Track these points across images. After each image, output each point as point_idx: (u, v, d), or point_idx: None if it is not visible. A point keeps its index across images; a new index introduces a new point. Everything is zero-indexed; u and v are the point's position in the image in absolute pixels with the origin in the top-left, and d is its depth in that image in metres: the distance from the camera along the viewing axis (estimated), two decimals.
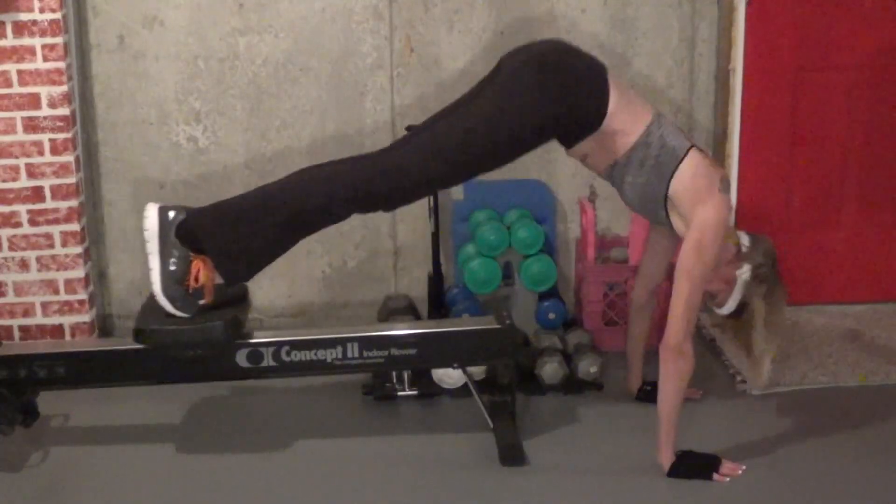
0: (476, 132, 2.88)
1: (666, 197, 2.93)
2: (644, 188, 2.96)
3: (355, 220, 3.99)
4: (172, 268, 2.95)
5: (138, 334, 3.02)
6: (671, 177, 2.91)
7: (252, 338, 3.09)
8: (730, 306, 3.05)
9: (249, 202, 2.99)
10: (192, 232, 2.96)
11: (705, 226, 2.88)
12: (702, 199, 2.88)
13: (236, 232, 2.94)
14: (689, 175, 2.90)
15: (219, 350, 3.03)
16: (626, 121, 2.91)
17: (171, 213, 2.97)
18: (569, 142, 3.00)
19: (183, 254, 2.96)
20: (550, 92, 2.86)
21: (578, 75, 2.90)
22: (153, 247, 2.95)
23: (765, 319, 3.01)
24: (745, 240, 3.04)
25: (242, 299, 3.18)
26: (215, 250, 2.95)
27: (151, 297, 3.03)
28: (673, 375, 2.92)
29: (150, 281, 2.97)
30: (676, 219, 2.96)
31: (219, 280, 3.04)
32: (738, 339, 3.14)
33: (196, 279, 2.98)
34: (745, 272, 3.01)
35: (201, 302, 3.02)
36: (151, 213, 2.97)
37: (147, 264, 2.97)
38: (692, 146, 2.95)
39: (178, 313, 2.99)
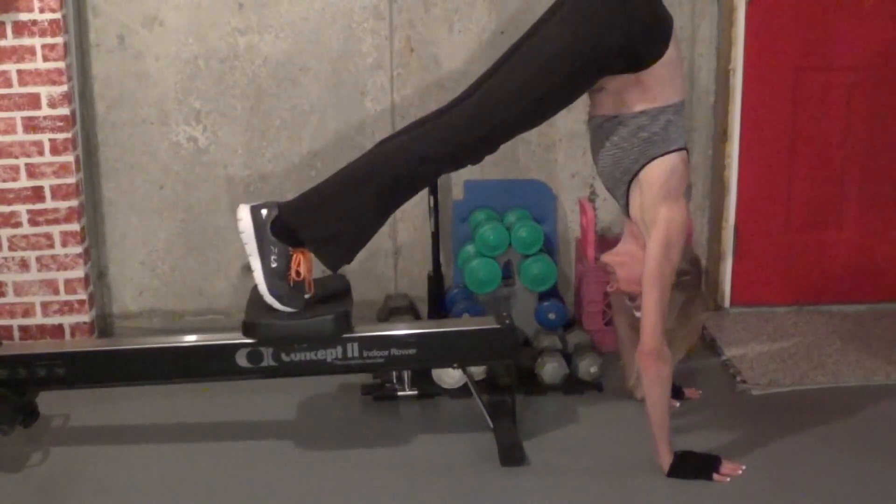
0: (556, 53, 2.82)
1: (636, 175, 2.92)
2: (623, 154, 2.92)
3: None
4: (274, 265, 2.97)
5: (249, 328, 3.04)
6: (651, 160, 2.89)
7: (357, 331, 3.10)
8: None
9: (337, 184, 2.99)
10: (286, 226, 2.97)
11: (672, 225, 2.87)
12: (668, 199, 2.88)
13: (329, 216, 2.95)
14: (666, 168, 2.88)
15: (328, 343, 3.05)
16: (661, 81, 2.86)
17: (264, 212, 2.98)
18: (606, 70, 2.88)
19: (282, 250, 2.98)
20: (627, 13, 2.79)
21: (654, 10, 2.85)
22: (252, 248, 2.97)
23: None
24: None
25: (346, 292, 3.20)
26: (312, 239, 2.97)
27: (256, 290, 3.05)
28: (656, 379, 2.92)
29: (255, 281, 2.99)
30: (635, 202, 2.94)
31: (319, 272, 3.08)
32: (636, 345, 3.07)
33: (297, 273, 3.00)
34: None
35: (306, 296, 3.05)
36: (244, 215, 2.98)
37: (250, 266, 3.01)
38: (685, 148, 2.94)
39: (285, 309, 3.01)
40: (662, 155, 2.88)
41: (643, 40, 2.81)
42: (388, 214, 3.02)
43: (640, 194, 2.92)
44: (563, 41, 2.83)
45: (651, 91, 2.86)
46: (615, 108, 2.92)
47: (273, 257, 2.97)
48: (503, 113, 2.87)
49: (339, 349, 3.09)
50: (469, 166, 3.02)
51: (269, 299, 3.00)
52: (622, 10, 2.79)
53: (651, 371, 2.92)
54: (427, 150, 2.91)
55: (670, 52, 2.84)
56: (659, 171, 2.88)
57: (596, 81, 2.89)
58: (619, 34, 2.78)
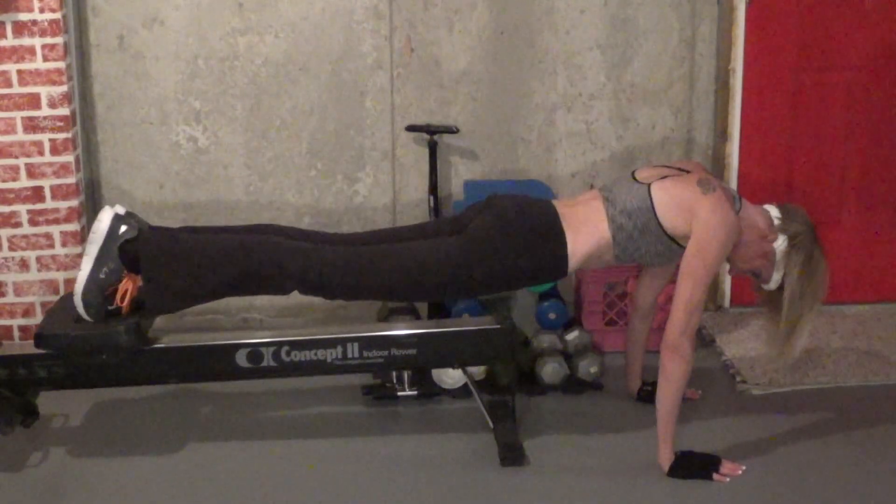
0: (443, 271, 2.95)
1: (672, 238, 2.95)
2: (653, 249, 2.99)
3: (355, 219, 4.00)
4: (102, 276, 2.93)
5: (40, 339, 2.99)
6: (659, 224, 2.94)
7: (157, 343, 3.06)
8: (775, 279, 3.04)
9: (203, 247, 2.96)
10: (136, 252, 2.94)
11: (706, 227, 2.89)
12: (693, 214, 2.91)
13: (180, 271, 2.93)
14: (669, 208, 2.94)
15: (122, 356, 3.00)
16: (588, 237, 2.98)
17: (123, 228, 2.94)
18: (555, 278, 3.09)
19: (117, 267, 2.94)
20: (511, 254, 2.94)
21: (533, 233, 2.96)
22: (92, 250, 2.93)
23: (803, 287, 2.99)
24: (774, 212, 3.04)
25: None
26: (152, 279, 2.93)
27: (61, 301, 3.06)
28: (671, 375, 2.92)
29: (77, 279, 2.94)
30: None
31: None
32: (775, 313, 3.09)
33: (122, 298, 2.95)
34: (781, 243, 3.00)
35: (109, 307, 2.99)
36: (105, 219, 2.94)
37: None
38: (648, 185, 2.97)
39: (87, 318, 2.96)
40: (656, 215, 2.94)
41: (543, 266, 2.99)
42: (225, 295, 3.03)
43: (686, 238, 2.95)
44: (462, 258, 2.95)
45: (595, 242, 2.98)
46: (606, 260, 3.04)
47: (106, 269, 2.93)
48: (381, 285, 2.97)
49: (339, 349, 3.09)
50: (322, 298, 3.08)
51: (79, 303, 2.93)
52: (509, 252, 2.94)
53: (667, 365, 2.93)
54: (300, 268, 2.94)
55: (569, 235, 2.96)
56: (670, 218, 2.94)
57: (499, 292, 3.20)
58: (515, 269, 2.97)
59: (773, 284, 3.05)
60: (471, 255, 2.95)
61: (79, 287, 2.94)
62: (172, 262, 2.93)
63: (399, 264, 2.96)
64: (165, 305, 2.99)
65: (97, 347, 2.98)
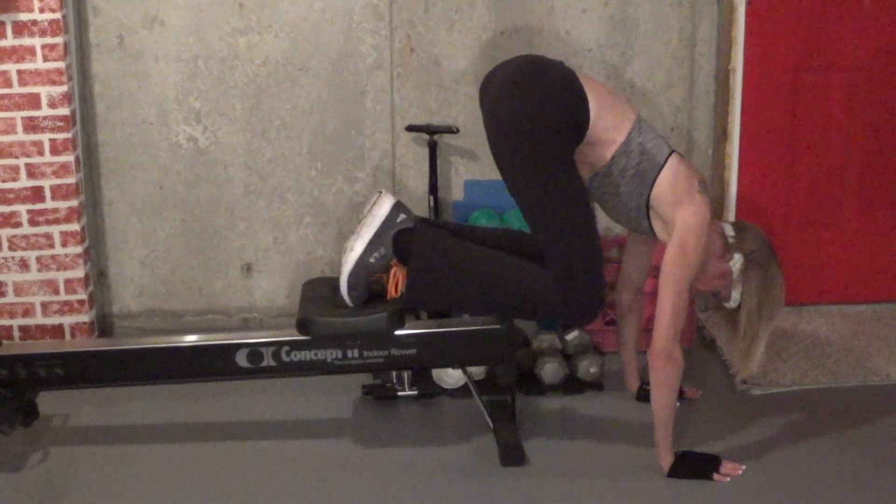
0: (549, 191, 2.89)
1: (648, 205, 2.94)
2: (626, 197, 2.96)
3: (355, 219, 4.00)
4: (372, 260, 2.99)
5: (304, 324, 3.05)
6: (652, 184, 2.92)
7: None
8: (735, 298, 3.04)
9: (477, 261, 2.99)
10: (408, 244, 2.98)
11: (687, 228, 2.88)
12: (681, 202, 2.89)
13: (448, 276, 2.97)
14: (669, 180, 2.91)
15: (380, 341, 3.05)
16: (608, 129, 2.91)
17: (402, 217, 3.00)
18: (571, 148, 2.96)
19: (388, 254, 2.99)
20: (540, 118, 2.84)
21: (550, 92, 2.87)
22: (368, 234, 2.98)
23: (759, 301, 2.99)
24: (728, 230, 3.04)
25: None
26: (418, 276, 2.97)
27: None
28: (664, 381, 2.92)
29: (345, 261, 2.99)
30: (658, 225, 2.96)
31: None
32: (736, 329, 3.09)
33: (396, 287, 3.00)
34: (736, 262, 3.00)
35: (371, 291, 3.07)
36: (387, 203, 3.00)
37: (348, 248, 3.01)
38: (672, 152, 2.95)
39: (348, 301, 3.02)
40: (658, 175, 2.91)
41: (565, 123, 2.86)
42: (473, 314, 3.12)
43: (658, 217, 2.94)
44: (526, 165, 2.88)
45: (605, 139, 2.91)
46: (590, 169, 2.98)
47: (376, 255, 2.98)
48: (575, 247, 2.91)
49: (340, 349, 3.08)
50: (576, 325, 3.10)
51: (344, 283, 3.00)
52: (535, 116, 2.84)
53: (660, 372, 2.92)
54: (548, 301, 2.94)
55: (593, 104, 2.87)
56: (663, 188, 2.91)
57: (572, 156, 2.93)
58: (551, 123, 2.84)
59: (733, 303, 3.05)
60: (540, 168, 2.87)
61: (347, 268, 2.98)
62: (445, 267, 2.97)
63: (572, 207, 2.91)
64: (417, 304, 3.05)
65: (359, 332, 3.03)
